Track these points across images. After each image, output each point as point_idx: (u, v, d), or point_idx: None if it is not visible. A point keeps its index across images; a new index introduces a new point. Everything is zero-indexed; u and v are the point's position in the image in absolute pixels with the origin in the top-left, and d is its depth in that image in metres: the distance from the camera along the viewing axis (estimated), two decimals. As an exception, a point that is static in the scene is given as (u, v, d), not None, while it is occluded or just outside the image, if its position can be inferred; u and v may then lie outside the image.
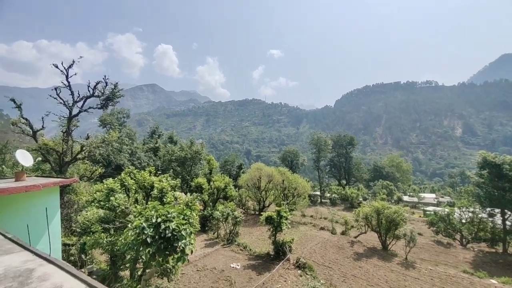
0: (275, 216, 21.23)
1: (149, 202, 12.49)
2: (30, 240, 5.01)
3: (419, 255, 24.03)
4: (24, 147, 22.89)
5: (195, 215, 9.87)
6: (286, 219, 21.56)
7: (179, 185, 15.97)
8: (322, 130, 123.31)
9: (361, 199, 57.85)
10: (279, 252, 20.84)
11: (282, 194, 40.13)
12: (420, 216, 47.25)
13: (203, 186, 31.04)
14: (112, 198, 11.83)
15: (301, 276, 17.72)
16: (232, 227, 25.51)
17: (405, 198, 69.49)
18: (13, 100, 20.64)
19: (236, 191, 39.70)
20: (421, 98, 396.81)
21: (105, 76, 24.59)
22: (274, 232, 21.49)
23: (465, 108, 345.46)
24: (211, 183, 32.77)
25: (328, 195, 64.20)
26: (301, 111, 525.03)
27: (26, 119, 20.99)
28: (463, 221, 30.17)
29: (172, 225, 8.60)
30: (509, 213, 26.38)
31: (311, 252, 23.03)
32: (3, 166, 28.38)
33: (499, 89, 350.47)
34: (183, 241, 8.62)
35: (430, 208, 47.57)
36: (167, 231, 8.46)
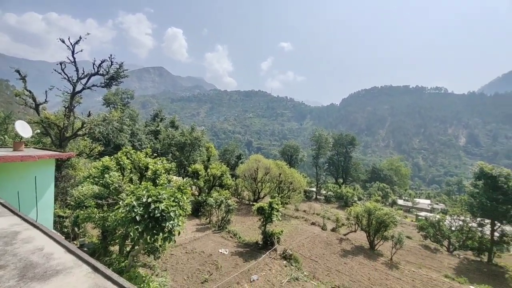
0: (266, 207, 21.66)
1: (142, 183, 12.82)
2: (20, 207, 5.30)
3: (405, 257, 24.51)
4: (27, 119, 23.19)
5: (185, 198, 10.16)
6: (277, 211, 22.01)
7: (174, 168, 16.28)
8: (325, 128, 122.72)
9: (356, 199, 58.32)
10: (268, 242, 21.36)
11: (277, 187, 40.60)
12: (412, 221, 47.77)
13: (199, 172, 31.49)
14: (106, 175, 12.17)
15: (286, 266, 18.25)
16: (224, 215, 26.03)
17: (400, 201, 70.00)
18: (18, 71, 20.77)
19: (233, 181, 40.18)
20: (428, 104, 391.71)
21: (110, 55, 24.42)
22: (264, 223, 21.97)
23: (471, 117, 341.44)
24: (208, 170, 33.21)
25: (324, 192, 64.77)
26: (306, 107, 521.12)
27: (30, 91, 21.12)
28: (453, 228, 30.61)
29: (162, 206, 8.93)
30: (498, 224, 26.68)
31: (299, 245, 23.55)
32: (6, 136, 28.81)
33: (509, 101, 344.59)
34: (171, 222, 8.96)
35: (423, 213, 48.05)
36: (156, 211, 8.80)
